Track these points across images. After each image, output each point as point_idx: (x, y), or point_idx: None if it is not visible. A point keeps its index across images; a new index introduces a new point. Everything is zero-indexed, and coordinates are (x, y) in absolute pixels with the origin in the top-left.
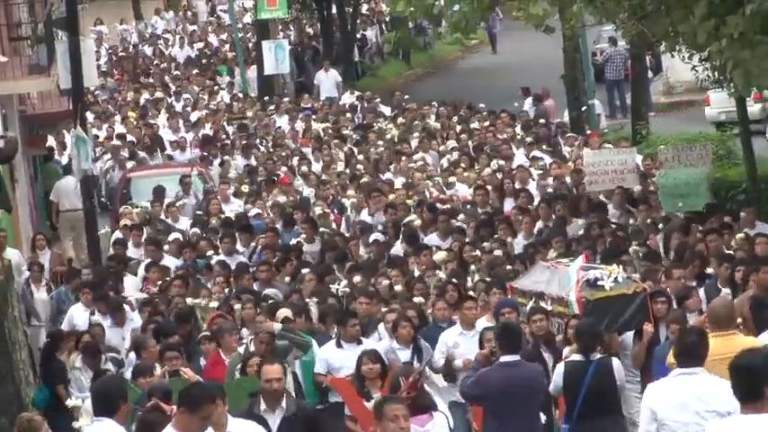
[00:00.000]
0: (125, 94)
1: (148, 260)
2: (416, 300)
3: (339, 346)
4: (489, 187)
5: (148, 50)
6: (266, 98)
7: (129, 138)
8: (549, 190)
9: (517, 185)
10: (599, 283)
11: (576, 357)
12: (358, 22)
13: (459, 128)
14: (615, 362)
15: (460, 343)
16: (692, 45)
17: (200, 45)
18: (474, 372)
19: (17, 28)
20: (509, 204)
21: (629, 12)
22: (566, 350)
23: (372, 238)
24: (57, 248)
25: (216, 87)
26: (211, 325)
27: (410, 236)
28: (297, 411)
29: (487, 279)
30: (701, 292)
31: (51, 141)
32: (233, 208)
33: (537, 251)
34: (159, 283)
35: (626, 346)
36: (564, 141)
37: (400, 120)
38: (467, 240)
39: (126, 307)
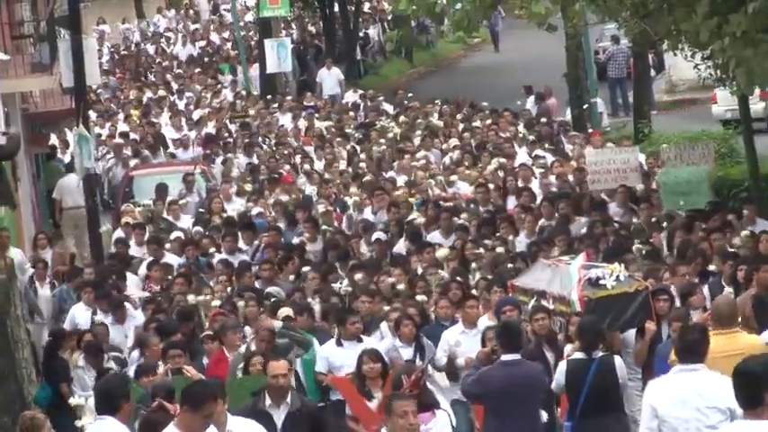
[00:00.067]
0: (127, 92)
1: (150, 259)
2: (419, 298)
3: (339, 344)
4: (491, 186)
5: (151, 49)
6: (269, 96)
7: (132, 136)
8: (554, 189)
9: (520, 184)
10: (601, 281)
11: (579, 355)
12: (360, 20)
13: (461, 126)
14: (617, 360)
15: (462, 342)
16: (695, 43)
17: (203, 43)
18: (475, 370)
19: (20, 26)
20: (511, 203)
21: (631, 10)
22: (568, 348)
23: (374, 236)
24: (58, 247)
25: (219, 86)
26: (212, 323)
27: (413, 234)
28: (301, 407)
29: (489, 277)
30: (706, 289)
31: (54, 140)
32: (235, 207)
33: (540, 249)
34: (164, 282)
35: (628, 344)
36: (566, 140)
37: (402, 118)
38: (469, 238)
39: (127, 305)
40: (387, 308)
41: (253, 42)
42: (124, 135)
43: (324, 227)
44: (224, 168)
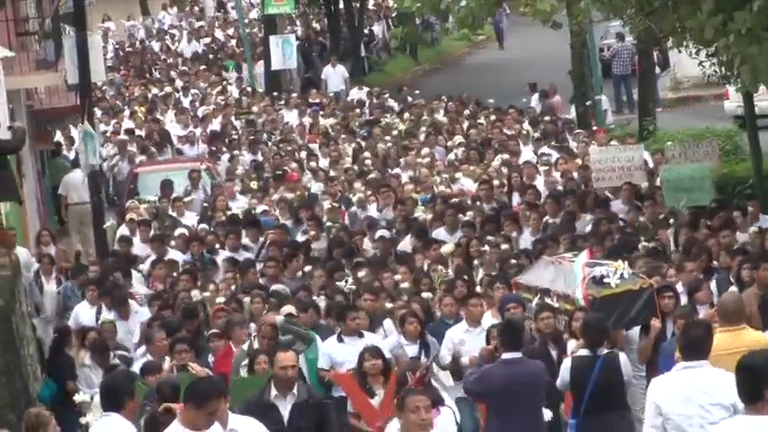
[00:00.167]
0: (132, 89)
1: (154, 257)
2: (424, 295)
3: (340, 340)
4: (496, 182)
5: (156, 46)
6: (275, 93)
7: (138, 133)
8: (559, 188)
9: (524, 181)
10: (605, 280)
11: (583, 352)
12: (365, 17)
13: (466, 123)
14: (622, 357)
15: (467, 340)
16: (700, 41)
17: (207, 40)
18: (478, 368)
19: (24, 23)
20: (516, 200)
21: (636, 7)
22: (571, 343)
23: (378, 234)
24: (62, 244)
25: (224, 83)
26: (215, 320)
27: (419, 230)
28: (308, 398)
29: (493, 274)
30: (713, 285)
31: (59, 137)
32: (239, 204)
33: (546, 246)
34: (168, 279)
35: (632, 341)
36: (571, 137)
37: (407, 115)
38: (475, 235)
39: (132, 301)
40: (389, 305)
41: (257, 39)
42: (130, 132)
43: (328, 224)
44: (229, 166)
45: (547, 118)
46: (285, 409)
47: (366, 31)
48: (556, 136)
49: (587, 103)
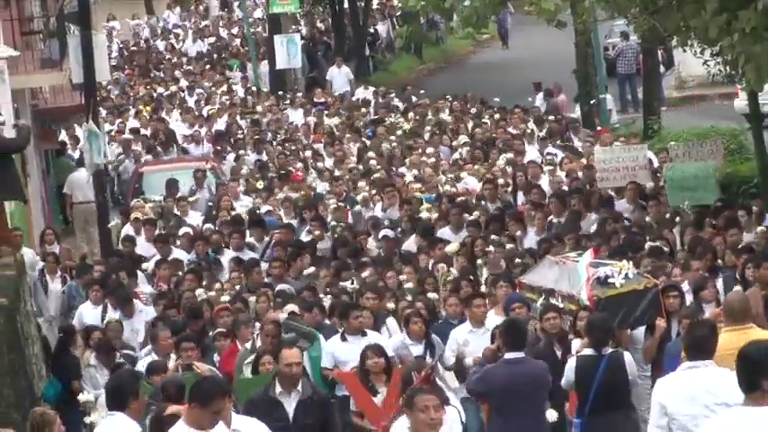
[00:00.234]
0: (137, 89)
1: (158, 257)
2: (430, 295)
3: (344, 339)
4: (501, 181)
5: (160, 45)
6: (281, 93)
7: (144, 132)
8: (565, 188)
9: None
10: (609, 280)
11: (588, 352)
12: (369, 16)
13: (471, 123)
14: (627, 356)
15: (470, 341)
16: (704, 40)
17: (212, 40)
18: (480, 367)
19: (29, 22)
20: (520, 199)
21: (640, 6)
22: (575, 343)
23: (381, 233)
24: (67, 243)
25: (229, 81)
26: (217, 319)
27: (424, 230)
28: (313, 394)
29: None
30: (720, 283)
31: (63, 136)
32: (243, 204)
33: (552, 246)
34: (173, 278)
35: (636, 341)
36: (576, 137)
37: (411, 115)
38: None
39: (136, 301)
40: (390, 305)
41: (262, 38)
42: (135, 131)
43: (333, 223)
44: (234, 165)
45: (551, 117)
46: (290, 405)
47: (371, 31)
48: (561, 135)
49: (591, 102)
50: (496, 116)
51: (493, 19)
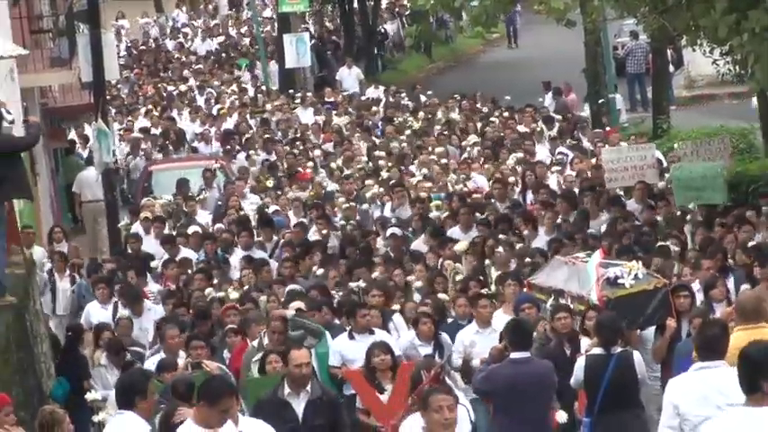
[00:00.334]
0: (146, 88)
1: (166, 257)
2: (441, 296)
3: (351, 337)
4: (512, 179)
5: (169, 44)
6: (291, 91)
7: (154, 131)
8: (576, 189)
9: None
10: (619, 281)
11: (597, 351)
12: (379, 15)
13: (480, 123)
14: (636, 355)
15: (477, 341)
16: (714, 39)
17: (221, 39)
18: (486, 366)
19: (38, 21)
20: (530, 198)
21: (650, 5)
22: (584, 342)
23: (389, 232)
24: (76, 242)
25: (239, 80)
26: (224, 317)
27: (434, 229)
28: (322, 395)
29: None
30: (731, 282)
31: (73, 134)
32: (250, 203)
33: (562, 245)
34: (182, 277)
35: (645, 341)
36: (584, 136)
37: (421, 114)
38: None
39: (144, 300)
40: (396, 306)
41: (271, 37)
42: (145, 131)
43: (342, 222)
44: (244, 165)
45: (560, 117)
46: (299, 406)
47: (380, 30)
48: (570, 134)
49: (600, 102)
50: (506, 115)
51: (502, 18)
